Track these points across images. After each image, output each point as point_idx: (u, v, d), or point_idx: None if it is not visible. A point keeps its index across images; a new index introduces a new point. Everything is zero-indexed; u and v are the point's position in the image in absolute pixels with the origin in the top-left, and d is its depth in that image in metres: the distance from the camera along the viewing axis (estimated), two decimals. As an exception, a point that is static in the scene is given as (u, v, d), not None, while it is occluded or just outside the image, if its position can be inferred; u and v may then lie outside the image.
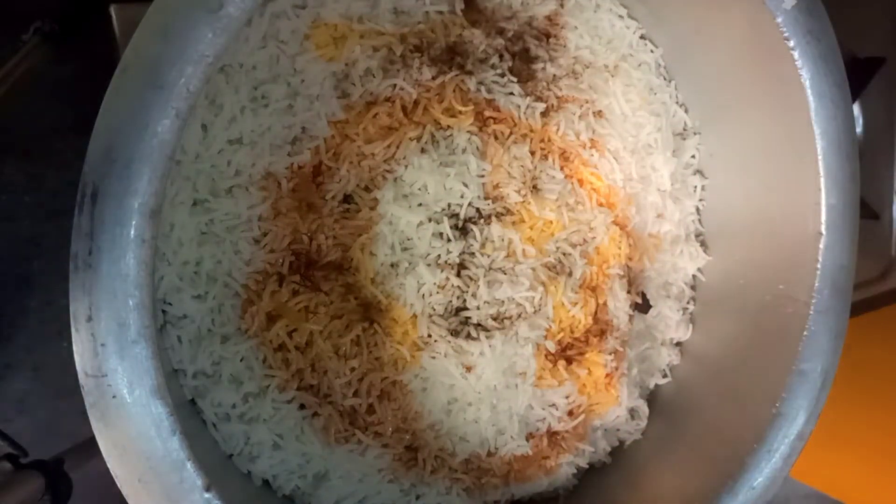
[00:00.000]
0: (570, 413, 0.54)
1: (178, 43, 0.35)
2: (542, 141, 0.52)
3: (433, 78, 0.48)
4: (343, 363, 0.47)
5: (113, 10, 0.44)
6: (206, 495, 0.37)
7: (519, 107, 0.51)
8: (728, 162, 0.58)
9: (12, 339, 0.50)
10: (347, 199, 0.48)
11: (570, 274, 0.52)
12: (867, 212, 0.76)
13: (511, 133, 0.51)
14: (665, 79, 0.58)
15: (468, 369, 0.49)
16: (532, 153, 0.51)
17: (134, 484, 0.36)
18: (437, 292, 0.48)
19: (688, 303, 0.60)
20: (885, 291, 0.80)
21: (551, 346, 0.51)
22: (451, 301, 0.49)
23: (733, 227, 0.58)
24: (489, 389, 0.50)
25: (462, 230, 0.49)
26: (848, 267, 0.49)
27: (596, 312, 0.54)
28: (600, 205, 0.54)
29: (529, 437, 0.53)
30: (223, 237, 0.45)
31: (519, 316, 0.50)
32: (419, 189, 0.48)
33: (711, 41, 0.54)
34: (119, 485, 0.37)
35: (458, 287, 0.49)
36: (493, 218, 0.50)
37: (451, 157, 0.49)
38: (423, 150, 0.48)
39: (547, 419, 0.53)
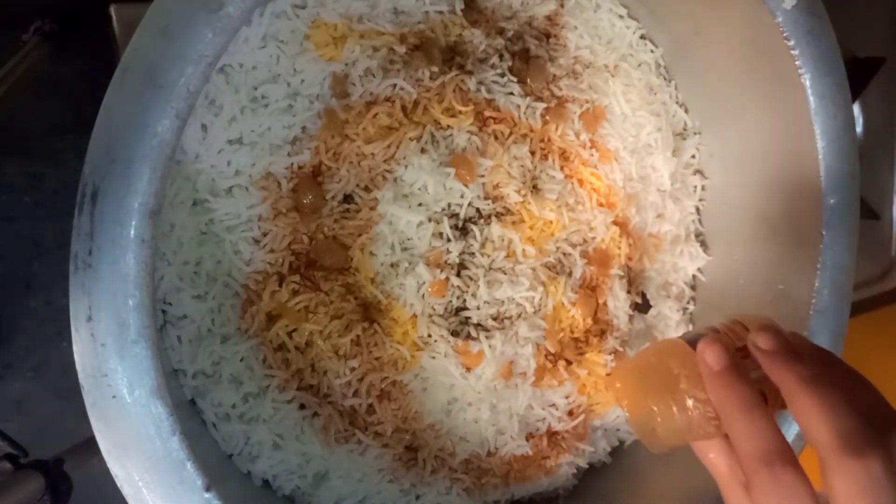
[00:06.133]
0: (570, 413, 0.54)
1: (178, 43, 0.35)
2: (542, 141, 0.52)
3: (433, 78, 0.48)
4: (343, 363, 0.47)
5: (113, 10, 0.44)
6: (206, 495, 0.37)
7: (519, 107, 0.51)
8: (728, 162, 0.58)
9: (12, 339, 0.50)
10: (347, 199, 0.48)
11: (570, 274, 0.52)
12: (867, 212, 0.76)
13: (511, 133, 0.51)
14: (665, 79, 0.58)
15: (468, 369, 0.49)
16: (532, 153, 0.51)
17: (134, 484, 0.36)
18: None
19: (688, 303, 0.60)
20: (885, 291, 0.80)
21: (551, 346, 0.51)
22: (451, 301, 0.49)
23: (733, 226, 0.58)
24: (489, 389, 0.50)
25: (462, 230, 0.49)
26: (848, 267, 0.49)
27: (596, 312, 0.54)
28: (600, 205, 0.54)
29: (529, 437, 0.53)
30: (223, 237, 0.45)
31: (519, 316, 0.50)
32: (419, 189, 0.48)
33: (711, 41, 0.54)
34: (119, 485, 0.36)
35: (458, 287, 0.49)
36: (493, 218, 0.50)
37: (452, 157, 0.49)
38: (422, 150, 0.48)
39: (547, 419, 0.53)
